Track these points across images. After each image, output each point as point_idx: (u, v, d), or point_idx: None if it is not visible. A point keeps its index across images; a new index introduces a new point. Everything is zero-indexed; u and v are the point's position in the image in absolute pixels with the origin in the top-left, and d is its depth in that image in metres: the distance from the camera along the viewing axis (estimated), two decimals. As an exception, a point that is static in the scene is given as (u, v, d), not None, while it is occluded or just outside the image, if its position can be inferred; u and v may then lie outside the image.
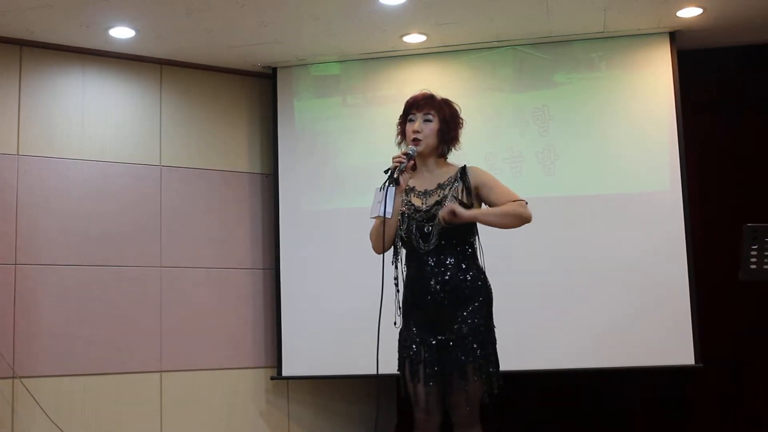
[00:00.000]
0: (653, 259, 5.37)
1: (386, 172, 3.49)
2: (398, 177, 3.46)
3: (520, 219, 3.49)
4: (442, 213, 3.42)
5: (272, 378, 5.88)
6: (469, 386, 3.46)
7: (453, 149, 3.66)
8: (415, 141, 3.55)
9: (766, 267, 3.55)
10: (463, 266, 3.52)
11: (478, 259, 3.58)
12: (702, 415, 5.68)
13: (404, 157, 3.49)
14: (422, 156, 3.59)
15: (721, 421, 5.68)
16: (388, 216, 3.45)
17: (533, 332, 5.37)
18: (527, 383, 5.56)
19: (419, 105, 3.60)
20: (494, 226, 3.51)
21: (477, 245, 3.60)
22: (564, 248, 5.45)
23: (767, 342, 5.64)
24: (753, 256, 3.56)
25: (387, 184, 3.45)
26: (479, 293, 3.53)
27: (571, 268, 5.45)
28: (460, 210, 3.40)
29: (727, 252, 5.31)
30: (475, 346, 3.46)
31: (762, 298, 5.55)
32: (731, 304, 5.68)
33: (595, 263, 5.44)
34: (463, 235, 3.54)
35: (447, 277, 3.50)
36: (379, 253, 3.60)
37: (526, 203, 3.52)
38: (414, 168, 3.62)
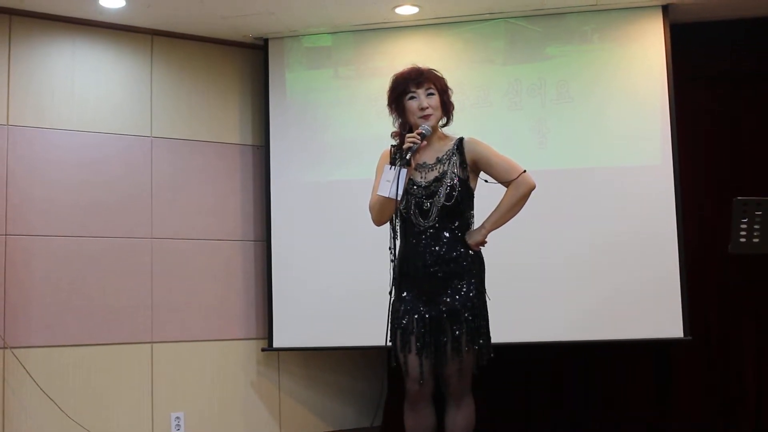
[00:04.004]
0: (644, 231, 5.38)
1: (398, 150, 3.51)
2: (411, 158, 3.48)
3: (527, 197, 3.57)
4: (475, 247, 3.56)
5: (263, 349, 5.90)
6: (462, 358, 3.48)
7: (451, 118, 3.68)
8: (426, 117, 3.56)
9: (755, 240, 3.57)
10: (458, 240, 3.55)
11: None
12: (690, 387, 5.72)
13: (418, 137, 3.51)
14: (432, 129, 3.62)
15: (709, 393, 5.72)
16: (398, 198, 3.47)
17: (522, 305, 5.38)
18: (516, 355, 5.60)
19: (418, 81, 3.59)
20: (511, 218, 3.61)
21: (472, 219, 3.63)
22: (554, 221, 5.46)
23: (756, 315, 5.67)
24: (743, 230, 3.58)
25: (400, 165, 3.46)
26: (472, 266, 3.56)
27: (562, 241, 5.46)
28: (483, 237, 3.55)
29: (718, 225, 5.35)
30: (468, 317, 3.49)
31: (751, 271, 5.59)
32: (721, 277, 5.71)
33: (585, 236, 5.44)
34: (461, 212, 3.57)
35: (441, 252, 3.53)
36: (378, 226, 3.65)
37: (525, 171, 3.54)
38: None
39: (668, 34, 5.49)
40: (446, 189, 3.52)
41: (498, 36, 5.70)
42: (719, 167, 5.80)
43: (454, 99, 3.71)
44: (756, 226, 3.55)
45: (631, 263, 5.38)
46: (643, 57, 5.53)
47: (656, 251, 5.35)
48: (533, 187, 3.56)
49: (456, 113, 3.73)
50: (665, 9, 5.51)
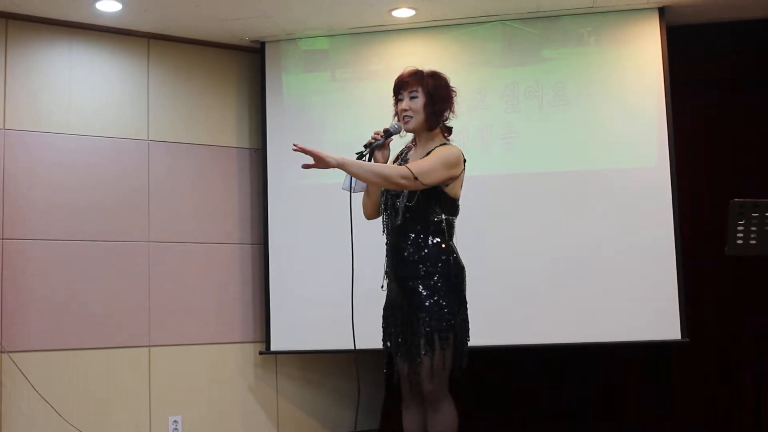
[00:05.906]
0: (641, 234, 5.38)
1: (365, 146, 3.55)
2: (370, 152, 3.54)
3: (385, 181, 3.42)
4: (314, 157, 3.33)
5: (261, 353, 5.89)
6: (422, 361, 3.48)
7: (448, 118, 3.66)
8: (405, 119, 3.58)
9: (752, 242, 3.58)
10: (426, 242, 3.54)
11: (444, 236, 3.56)
12: (687, 390, 5.72)
13: (383, 133, 3.57)
14: (416, 132, 3.65)
15: (707, 395, 5.72)
16: (345, 190, 3.55)
17: (520, 308, 5.39)
18: (514, 358, 5.60)
19: (405, 84, 3.61)
20: (360, 179, 3.48)
21: (445, 223, 3.57)
22: (552, 224, 5.46)
23: (753, 317, 5.67)
24: (739, 232, 3.59)
25: (357, 158, 3.49)
26: (440, 270, 3.51)
27: (559, 244, 5.45)
28: (325, 155, 3.32)
29: (715, 227, 5.35)
30: (427, 322, 3.47)
31: (748, 273, 5.59)
32: (718, 279, 5.71)
33: (583, 238, 5.44)
34: (426, 211, 3.55)
35: (407, 253, 3.54)
36: (368, 220, 3.74)
37: (414, 177, 3.39)
38: (414, 143, 3.70)
39: (665, 37, 5.50)
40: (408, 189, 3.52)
41: (495, 38, 5.70)
42: (716, 169, 5.80)
43: None
44: (753, 228, 3.57)
45: (629, 265, 5.38)
46: (639, 59, 5.54)
47: (654, 253, 5.35)
48: (395, 184, 3.41)
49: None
50: (662, 11, 5.51)
